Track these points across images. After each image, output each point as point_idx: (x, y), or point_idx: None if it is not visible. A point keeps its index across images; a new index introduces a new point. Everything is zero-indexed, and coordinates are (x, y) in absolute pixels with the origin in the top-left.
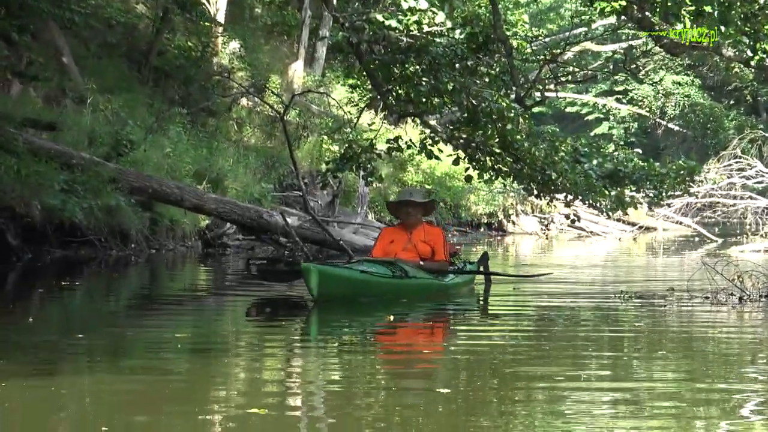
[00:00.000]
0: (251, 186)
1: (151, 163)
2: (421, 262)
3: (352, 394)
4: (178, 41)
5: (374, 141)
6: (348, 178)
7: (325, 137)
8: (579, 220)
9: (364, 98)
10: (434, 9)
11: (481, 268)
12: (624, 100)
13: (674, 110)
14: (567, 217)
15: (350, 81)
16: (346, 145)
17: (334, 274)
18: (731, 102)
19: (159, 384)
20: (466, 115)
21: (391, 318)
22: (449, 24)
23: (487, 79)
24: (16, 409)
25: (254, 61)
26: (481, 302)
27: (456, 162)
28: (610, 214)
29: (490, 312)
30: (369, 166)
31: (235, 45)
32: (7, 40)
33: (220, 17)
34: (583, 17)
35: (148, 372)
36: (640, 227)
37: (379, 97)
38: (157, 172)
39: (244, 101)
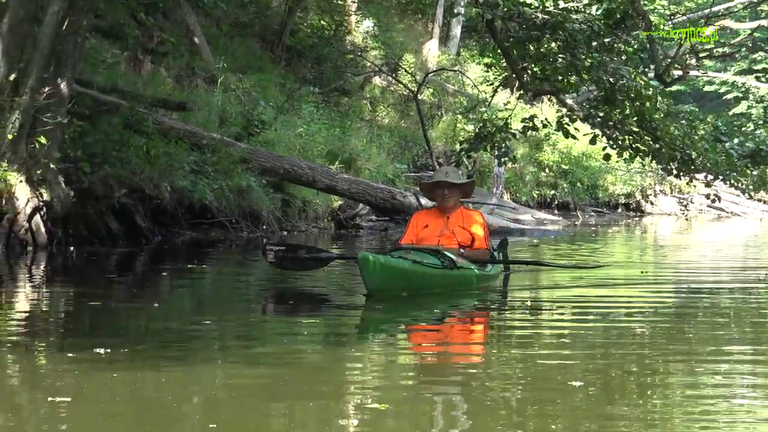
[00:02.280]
0: (384, 166)
1: (282, 143)
2: (462, 251)
3: (482, 388)
4: (311, 20)
5: (509, 120)
6: (483, 158)
7: (460, 116)
8: (719, 201)
9: (499, 77)
10: None
11: (501, 256)
12: (763, 79)
13: None
14: (707, 197)
15: (485, 60)
16: (481, 124)
17: (394, 266)
18: None
19: (288, 374)
20: (603, 93)
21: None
22: (586, 0)
23: (624, 57)
24: (147, 396)
25: (388, 40)
26: (608, 288)
27: (593, 141)
28: (752, 194)
29: (621, 298)
30: (504, 145)
31: (368, 24)
32: (138, 19)
33: None
34: None
35: (278, 360)
36: None
37: (514, 75)
38: (289, 152)
39: (377, 80)
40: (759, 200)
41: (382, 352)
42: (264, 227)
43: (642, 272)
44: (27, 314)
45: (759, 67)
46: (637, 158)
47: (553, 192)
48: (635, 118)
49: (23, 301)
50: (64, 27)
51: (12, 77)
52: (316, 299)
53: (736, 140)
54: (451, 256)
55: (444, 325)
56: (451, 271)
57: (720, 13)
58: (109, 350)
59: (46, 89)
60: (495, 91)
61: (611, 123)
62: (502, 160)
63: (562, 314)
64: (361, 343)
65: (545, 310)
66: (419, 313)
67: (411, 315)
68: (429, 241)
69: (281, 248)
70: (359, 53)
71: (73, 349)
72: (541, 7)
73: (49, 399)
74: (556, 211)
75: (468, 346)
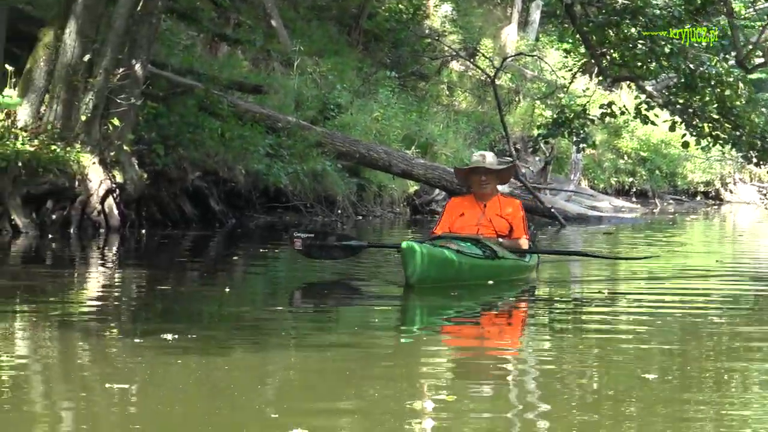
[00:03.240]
0: (461, 151)
1: (359, 127)
2: (500, 240)
3: (554, 379)
4: (389, 4)
5: (587, 106)
6: (561, 144)
7: (538, 102)
8: None
9: (578, 63)
10: None
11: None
12: None
13: None
14: None
15: (564, 46)
16: (559, 110)
17: (440, 257)
18: None
19: (358, 363)
20: (683, 79)
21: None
22: None
23: (704, 43)
24: (215, 383)
25: (466, 25)
26: (683, 278)
27: (672, 128)
28: None
29: (696, 288)
30: (582, 131)
31: (447, 8)
32: (214, 1)
33: None
34: None
35: (350, 349)
36: None
37: (593, 61)
38: (365, 137)
39: (454, 65)
40: None
41: (453, 341)
42: (339, 212)
43: (717, 261)
44: (97, 297)
45: None
46: (717, 146)
47: (631, 179)
48: (715, 105)
49: (94, 283)
50: (138, 8)
51: (86, 58)
52: (389, 287)
53: None
54: (492, 245)
55: (512, 316)
56: (493, 261)
57: None
58: (176, 336)
59: (121, 70)
60: (573, 76)
61: (691, 110)
62: (580, 146)
63: (637, 305)
64: (432, 333)
65: (619, 300)
66: (483, 304)
67: (475, 305)
68: (466, 230)
69: (309, 236)
70: (437, 38)
71: (142, 334)
72: None
73: (116, 386)
74: (634, 199)
75: (539, 337)
